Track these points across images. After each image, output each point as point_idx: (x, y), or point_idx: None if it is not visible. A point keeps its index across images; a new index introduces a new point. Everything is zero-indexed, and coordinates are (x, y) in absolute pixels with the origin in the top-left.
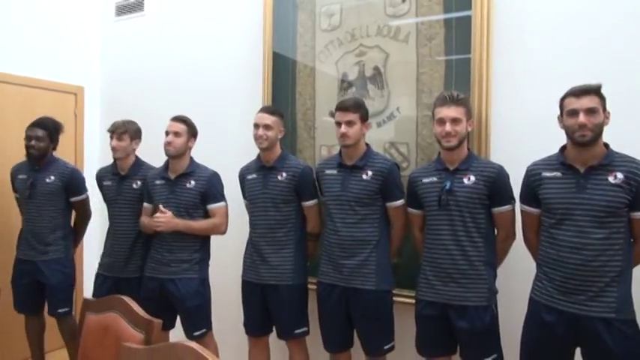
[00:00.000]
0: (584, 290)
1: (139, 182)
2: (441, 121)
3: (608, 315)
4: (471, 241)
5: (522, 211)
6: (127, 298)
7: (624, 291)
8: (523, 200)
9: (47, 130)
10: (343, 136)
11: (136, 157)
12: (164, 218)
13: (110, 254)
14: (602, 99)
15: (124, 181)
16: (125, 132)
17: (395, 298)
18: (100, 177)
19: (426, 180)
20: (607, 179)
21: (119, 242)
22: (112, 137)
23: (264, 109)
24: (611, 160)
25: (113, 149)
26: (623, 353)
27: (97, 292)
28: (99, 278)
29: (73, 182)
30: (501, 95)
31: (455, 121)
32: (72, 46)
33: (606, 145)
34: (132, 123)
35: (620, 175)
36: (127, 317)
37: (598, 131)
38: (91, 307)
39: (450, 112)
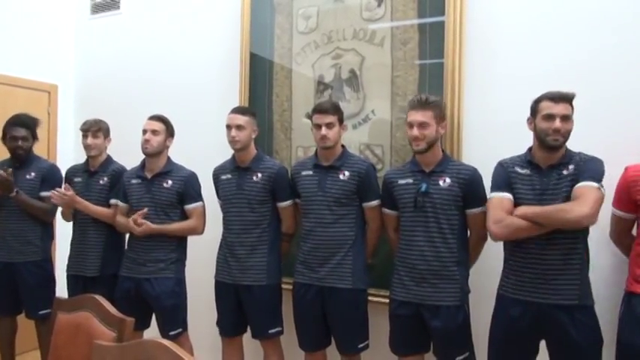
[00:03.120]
0: (548, 280)
1: (105, 179)
2: (410, 125)
3: (570, 302)
4: (444, 242)
5: (494, 199)
6: (99, 297)
7: (584, 278)
8: (498, 188)
9: (29, 129)
10: (324, 138)
11: (108, 155)
12: (140, 227)
13: (76, 252)
14: (573, 107)
15: (93, 178)
16: (99, 130)
17: (369, 298)
18: (71, 174)
19: (401, 181)
20: (562, 173)
21: (85, 239)
22: (85, 135)
23: (236, 110)
24: (569, 158)
25: (88, 147)
26: (586, 343)
27: (70, 293)
28: (71, 279)
29: (49, 177)
30: (473, 99)
31: (422, 125)
32: (46, 44)
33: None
34: (103, 122)
35: (571, 167)
36: (99, 316)
37: (568, 137)
38: (62, 307)
39: (417, 116)
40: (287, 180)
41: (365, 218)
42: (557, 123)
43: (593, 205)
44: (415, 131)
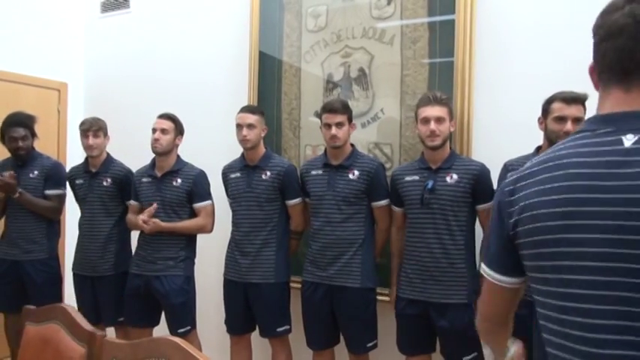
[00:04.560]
0: None
1: (109, 180)
2: (426, 120)
3: None
4: (452, 239)
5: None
6: (69, 308)
7: None
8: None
9: (28, 127)
10: (333, 137)
11: (107, 154)
12: (148, 226)
13: (82, 253)
14: (585, 108)
15: (95, 179)
16: (100, 129)
17: (377, 297)
18: (73, 176)
19: (408, 178)
20: None
21: (91, 240)
22: (87, 135)
23: (245, 109)
24: None
25: (90, 147)
26: None
27: (77, 292)
28: (76, 277)
29: (53, 175)
30: (483, 97)
31: (439, 120)
32: (56, 42)
33: None
34: (101, 120)
35: None
36: (68, 329)
37: None
38: (30, 317)
39: (434, 111)
40: (296, 178)
41: (374, 217)
42: (569, 126)
43: None
44: (432, 125)
